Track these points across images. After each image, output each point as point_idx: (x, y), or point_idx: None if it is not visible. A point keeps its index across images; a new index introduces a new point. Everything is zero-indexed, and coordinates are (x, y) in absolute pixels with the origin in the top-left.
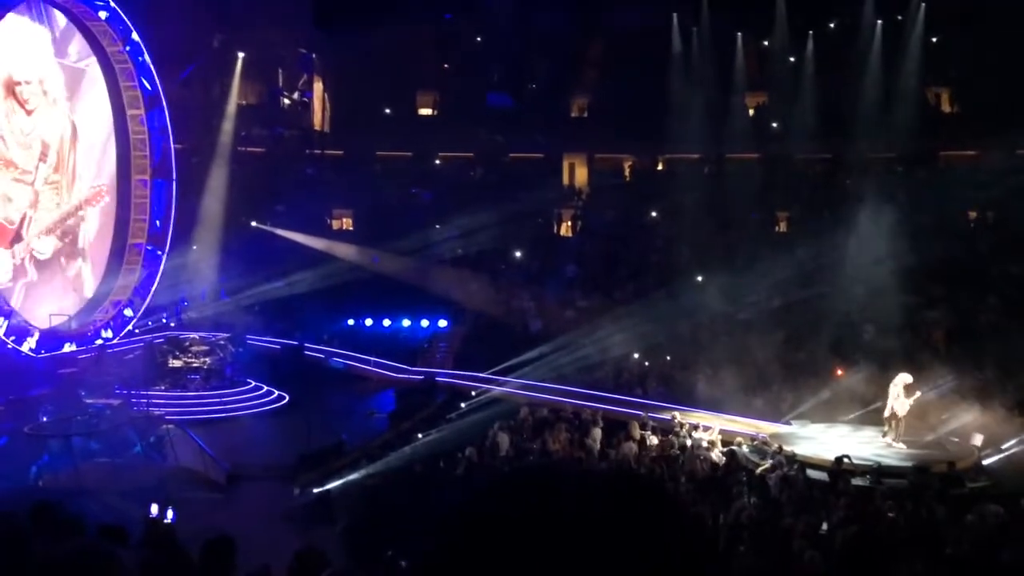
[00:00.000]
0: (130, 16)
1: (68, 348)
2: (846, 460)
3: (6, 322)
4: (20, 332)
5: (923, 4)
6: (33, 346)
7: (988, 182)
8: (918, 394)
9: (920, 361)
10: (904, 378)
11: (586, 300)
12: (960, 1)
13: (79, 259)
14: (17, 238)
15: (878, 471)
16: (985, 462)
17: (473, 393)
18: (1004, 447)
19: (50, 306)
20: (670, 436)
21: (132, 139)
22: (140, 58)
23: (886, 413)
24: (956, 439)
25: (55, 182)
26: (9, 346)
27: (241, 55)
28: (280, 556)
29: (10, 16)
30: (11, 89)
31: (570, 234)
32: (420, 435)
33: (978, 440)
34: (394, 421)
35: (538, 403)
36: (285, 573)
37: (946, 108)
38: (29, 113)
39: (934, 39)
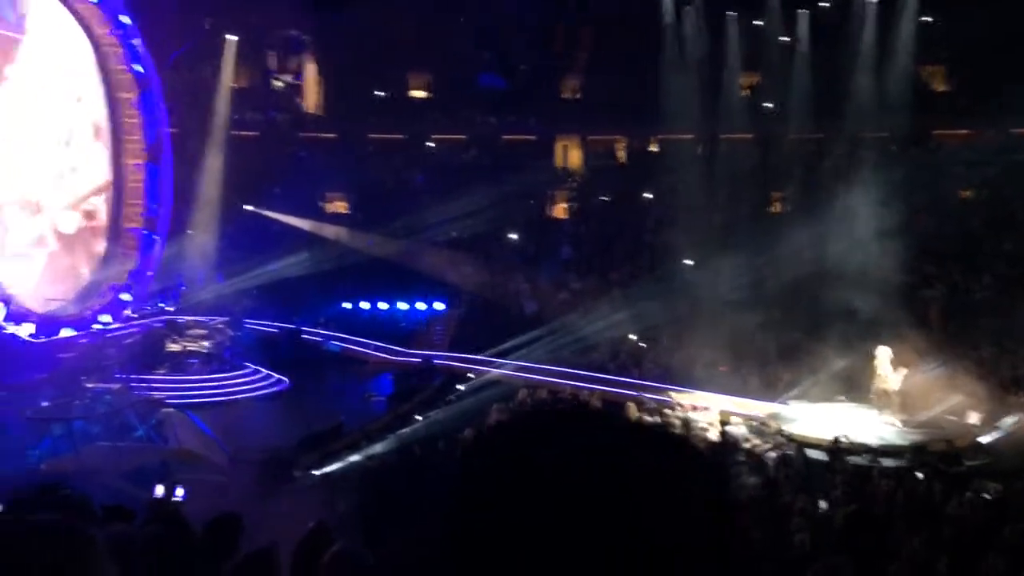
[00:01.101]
0: None
1: (66, 333)
2: (843, 439)
3: (5, 308)
4: (18, 317)
5: None
6: (32, 331)
7: (981, 161)
8: (903, 368)
9: (915, 340)
10: (885, 352)
11: (581, 282)
12: None
13: (102, 239)
14: (40, 209)
15: (876, 450)
16: (983, 440)
17: (470, 375)
18: (1001, 425)
19: (69, 279)
20: (666, 417)
21: (125, 123)
22: (131, 41)
23: (878, 391)
24: (953, 417)
25: (76, 164)
26: (8, 331)
27: (233, 38)
28: (282, 536)
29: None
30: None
31: (564, 216)
32: (419, 417)
33: (975, 418)
34: (392, 404)
35: (536, 385)
36: (290, 552)
37: (939, 87)
38: None
39: (927, 17)
